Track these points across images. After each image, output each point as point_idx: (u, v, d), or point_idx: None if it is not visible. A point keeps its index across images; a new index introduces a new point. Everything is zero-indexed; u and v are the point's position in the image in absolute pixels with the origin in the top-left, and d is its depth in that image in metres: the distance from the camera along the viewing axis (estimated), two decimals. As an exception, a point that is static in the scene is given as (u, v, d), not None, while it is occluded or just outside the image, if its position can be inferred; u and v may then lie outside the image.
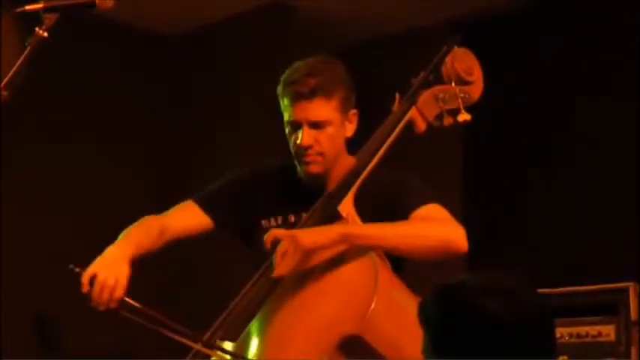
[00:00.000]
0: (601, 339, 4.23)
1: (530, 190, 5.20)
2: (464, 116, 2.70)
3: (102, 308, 2.49)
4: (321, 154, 2.69)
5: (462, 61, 2.73)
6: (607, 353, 4.18)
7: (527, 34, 5.23)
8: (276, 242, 2.51)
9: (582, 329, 4.26)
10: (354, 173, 2.64)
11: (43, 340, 5.01)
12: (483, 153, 5.36)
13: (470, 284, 1.78)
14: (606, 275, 4.34)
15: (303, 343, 2.48)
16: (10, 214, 4.71)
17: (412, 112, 2.69)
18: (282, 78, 2.73)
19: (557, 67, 5.14)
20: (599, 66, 4.99)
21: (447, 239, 2.60)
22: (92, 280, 2.49)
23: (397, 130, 2.68)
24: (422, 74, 2.73)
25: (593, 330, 4.25)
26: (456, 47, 2.74)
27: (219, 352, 2.51)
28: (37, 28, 2.32)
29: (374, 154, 2.65)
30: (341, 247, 2.51)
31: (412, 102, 2.70)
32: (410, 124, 2.70)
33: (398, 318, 2.46)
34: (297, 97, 2.67)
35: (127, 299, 2.49)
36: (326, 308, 2.51)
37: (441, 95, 2.71)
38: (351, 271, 2.51)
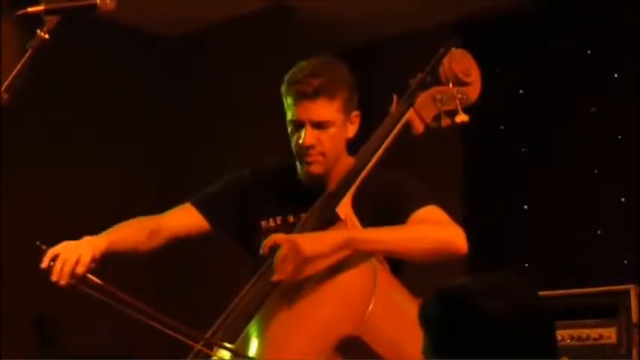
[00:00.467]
0: (602, 341, 4.23)
1: (530, 190, 5.20)
2: (462, 117, 2.70)
3: (62, 283, 2.51)
4: (322, 154, 2.70)
5: (460, 63, 2.73)
6: (608, 356, 4.18)
7: (526, 35, 5.23)
8: (275, 247, 2.51)
9: (583, 332, 4.26)
10: (353, 174, 2.65)
11: (43, 340, 5.01)
12: (483, 153, 5.36)
13: (470, 286, 1.78)
14: (607, 277, 4.34)
15: (301, 344, 2.49)
16: (10, 214, 4.71)
17: (410, 114, 2.69)
18: (286, 77, 2.74)
19: (558, 67, 5.14)
20: (600, 66, 5.00)
21: (447, 241, 2.60)
22: (55, 257, 2.53)
23: (395, 131, 2.68)
24: (419, 75, 2.73)
25: (594, 332, 4.25)
26: (453, 48, 2.74)
27: (220, 350, 2.53)
28: (38, 31, 2.32)
29: (372, 155, 2.65)
30: (341, 254, 2.51)
31: (410, 103, 2.70)
32: (408, 126, 2.70)
33: (396, 319, 2.46)
34: (300, 97, 2.68)
35: (89, 276, 2.51)
36: (324, 310, 2.51)
37: (439, 96, 2.71)
38: (349, 272, 2.51)
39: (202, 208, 2.83)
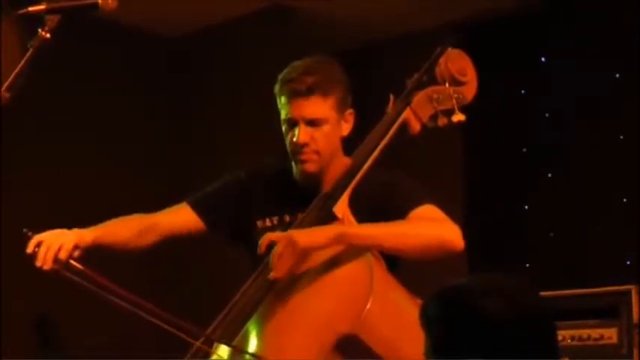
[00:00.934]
0: (603, 342, 4.23)
1: (531, 190, 5.20)
2: (458, 116, 2.71)
3: (46, 267, 2.55)
4: (317, 152, 2.70)
5: (456, 62, 2.74)
6: (609, 356, 4.18)
7: (526, 35, 5.23)
8: (271, 245, 2.52)
9: (584, 332, 4.26)
10: (349, 174, 2.65)
11: (43, 340, 5.01)
12: (483, 153, 5.36)
13: (470, 286, 1.78)
14: (608, 278, 4.34)
15: (299, 343, 2.49)
16: (10, 214, 4.71)
17: (406, 113, 2.70)
18: (280, 76, 2.75)
19: (557, 67, 5.15)
20: (600, 66, 5.00)
21: (442, 237, 2.60)
22: (40, 244, 2.58)
23: (392, 131, 2.68)
24: (416, 75, 2.74)
25: (595, 333, 4.25)
26: (449, 48, 2.75)
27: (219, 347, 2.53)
28: (39, 30, 2.32)
29: (369, 155, 2.66)
30: (337, 247, 2.51)
31: (406, 103, 2.71)
32: (404, 125, 2.70)
33: (394, 317, 2.47)
34: (294, 95, 2.68)
35: (73, 262, 2.56)
36: (322, 308, 2.51)
37: (435, 96, 2.71)
38: (346, 271, 2.51)
39: (198, 208, 2.84)
